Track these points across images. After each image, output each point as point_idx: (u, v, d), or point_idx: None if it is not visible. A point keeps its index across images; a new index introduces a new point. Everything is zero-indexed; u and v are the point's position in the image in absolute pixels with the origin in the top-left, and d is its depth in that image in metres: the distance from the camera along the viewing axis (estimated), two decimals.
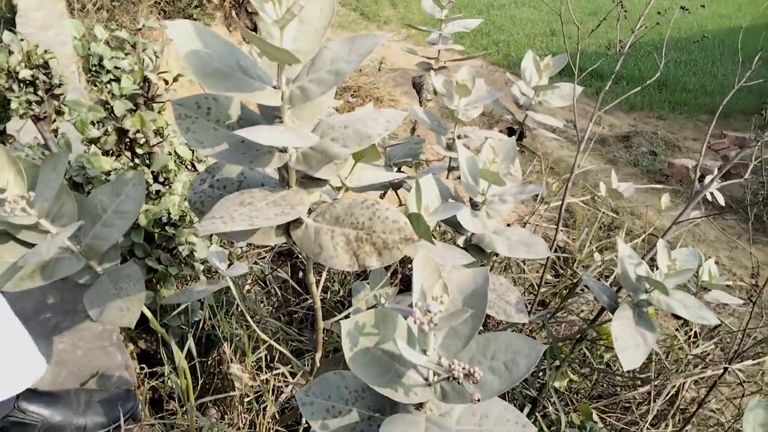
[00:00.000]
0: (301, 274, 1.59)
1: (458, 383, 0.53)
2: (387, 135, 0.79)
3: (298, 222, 0.74)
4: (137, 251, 1.05)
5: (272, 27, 0.52)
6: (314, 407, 0.65)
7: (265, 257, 1.53)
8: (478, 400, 0.53)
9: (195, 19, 4.32)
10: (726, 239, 3.83)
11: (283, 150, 0.66)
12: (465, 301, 0.60)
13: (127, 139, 1.05)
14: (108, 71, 1.10)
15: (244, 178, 0.78)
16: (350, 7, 8.92)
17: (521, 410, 1.23)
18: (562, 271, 1.54)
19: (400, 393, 0.58)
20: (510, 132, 1.45)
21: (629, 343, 0.98)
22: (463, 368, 0.53)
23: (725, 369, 1.02)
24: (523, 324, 1.26)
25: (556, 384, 1.25)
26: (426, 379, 0.61)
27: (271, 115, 0.63)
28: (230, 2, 4.50)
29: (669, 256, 0.98)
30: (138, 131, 1.04)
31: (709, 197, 1.65)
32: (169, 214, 1.05)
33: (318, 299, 0.87)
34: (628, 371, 1.23)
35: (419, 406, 0.64)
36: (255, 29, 4.72)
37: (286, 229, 0.76)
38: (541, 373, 1.30)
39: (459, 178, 1.42)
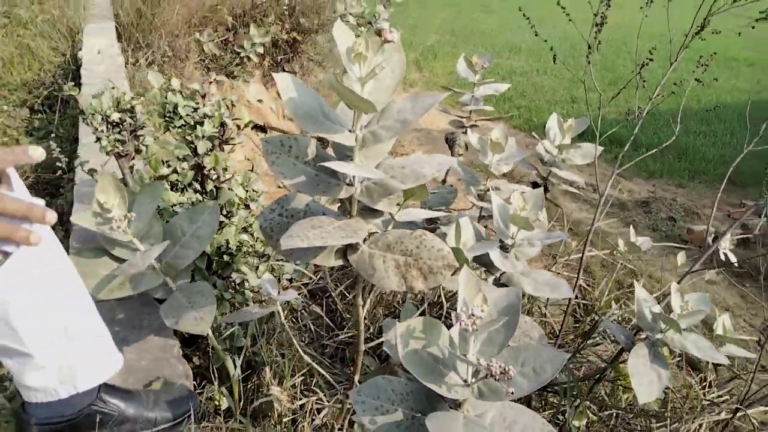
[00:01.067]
0: (335, 307, 1.70)
1: (495, 379, 0.65)
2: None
3: (354, 247, 0.87)
4: (197, 275, 1.19)
5: (355, 83, 0.68)
6: (365, 405, 0.76)
7: (301, 293, 1.65)
8: (512, 393, 0.64)
9: (235, 77, 4.65)
10: (746, 305, 3.85)
11: (350, 184, 0.80)
12: (500, 313, 0.72)
13: (200, 175, 1.21)
14: (181, 117, 1.28)
15: (308, 209, 0.92)
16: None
17: None
18: (582, 319, 1.63)
19: (443, 389, 0.69)
20: (534, 186, 1.60)
21: (644, 379, 1.07)
22: (500, 366, 0.64)
23: (737, 410, 1.10)
24: None
25: (575, 422, 1.33)
26: (465, 381, 0.72)
27: (343, 154, 0.78)
28: (269, 62, 4.85)
29: (682, 298, 1.09)
30: (212, 168, 1.21)
31: (723, 257, 1.75)
32: (227, 243, 1.20)
33: (362, 320, 1.00)
34: (644, 411, 1.30)
35: (457, 407, 0.75)
36: None
37: (343, 253, 0.89)
38: (560, 416, 1.37)
39: (486, 226, 1.56)
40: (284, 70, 5.00)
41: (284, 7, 4.77)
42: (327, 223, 0.81)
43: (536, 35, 1.47)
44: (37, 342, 0.83)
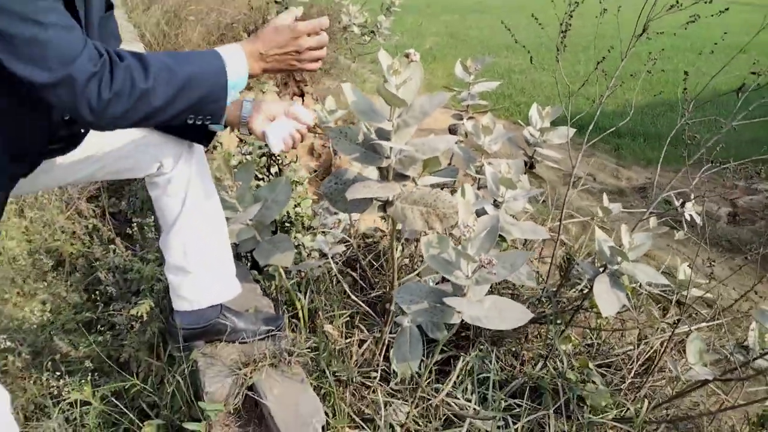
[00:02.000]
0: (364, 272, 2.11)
1: (485, 269, 1.05)
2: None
3: (391, 202, 1.29)
4: None
5: (393, 88, 1.09)
6: (404, 299, 1.17)
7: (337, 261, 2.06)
8: (495, 274, 1.04)
9: (251, 88, 5.09)
10: (736, 277, 4.24)
11: (388, 157, 1.22)
12: (485, 228, 1.12)
13: (269, 162, 1.63)
14: None
15: (357, 178, 1.34)
16: (380, 74, 9.81)
17: (534, 366, 1.70)
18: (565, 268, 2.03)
19: (452, 278, 1.10)
20: (524, 164, 2.00)
21: (606, 299, 1.47)
22: (487, 258, 1.05)
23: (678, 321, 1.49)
24: (533, 292, 1.76)
25: (562, 347, 1.73)
26: (466, 275, 1.13)
27: (384, 137, 1.19)
28: (282, 74, 5.28)
29: (630, 236, 1.49)
30: (277, 156, 1.62)
31: (687, 218, 2.14)
32: (288, 215, 1.61)
33: (395, 258, 1.41)
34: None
35: (462, 296, 1.16)
36: (302, 94, 5.51)
37: (383, 207, 1.31)
38: (549, 341, 1.77)
39: (482, 195, 1.96)
40: (295, 81, 5.45)
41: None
42: (373, 184, 1.23)
43: (515, 41, 1.89)
44: (199, 264, 1.26)
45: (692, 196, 2.22)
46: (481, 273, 1.11)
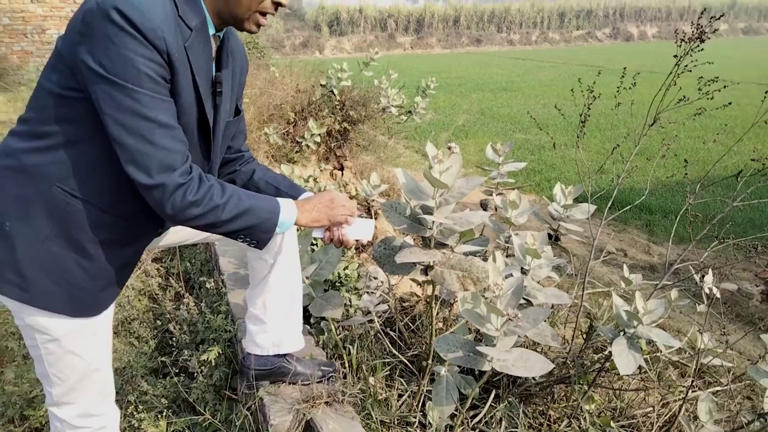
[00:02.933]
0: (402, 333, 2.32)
1: (510, 319, 1.28)
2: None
3: (431, 267, 1.54)
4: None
5: (436, 173, 1.37)
6: (442, 347, 1.40)
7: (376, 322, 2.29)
8: (520, 327, 1.27)
9: (295, 162, 5.52)
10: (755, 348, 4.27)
11: (430, 228, 1.48)
12: (512, 287, 1.36)
13: None
14: None
15: (402, 245, 1.60)
16: (413, 149, 10.39)
17: (560, 425, 1.86)
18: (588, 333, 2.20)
19: (484, 329, 1.33)
20: (549, 236, 2.24)
21: (623, 359, 1.65)
22: (514, 312, 1.27)
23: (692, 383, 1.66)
24: (558, 353, 1.93)
25: (586, 406, 1.89)
26: (496, 328, 1.35)
27: (427, 212, 1.47)
28: (323, 148, 5.73)
29: (644, 302, 1.69)
30: None
31: (707, 291, 2.32)
32: (339, 276, 1.87)
33: (434, 315, 1.64)
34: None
35: (492, 346, 1.38)
36: (341, 168, 5.93)
37: (425, 271, 1.56)
38: (574, 401, 1.93)
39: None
40: (336, 156, 5.89)
41: (336, 102, 5.70)
42: (418, 251, 1.49)
43: (538, 127, 2.18)
44: (274, 318, 1.52)
45: (709, 271, 2.40)
46: (509, 326, 1.33)
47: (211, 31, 1.18)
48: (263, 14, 1.20)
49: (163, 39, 1.03)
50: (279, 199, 1.31)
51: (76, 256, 1.16)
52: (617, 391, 2.05)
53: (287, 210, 1.30)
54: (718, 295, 2.28)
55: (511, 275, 1.75)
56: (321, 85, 5.84)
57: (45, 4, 10.31)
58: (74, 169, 1.11)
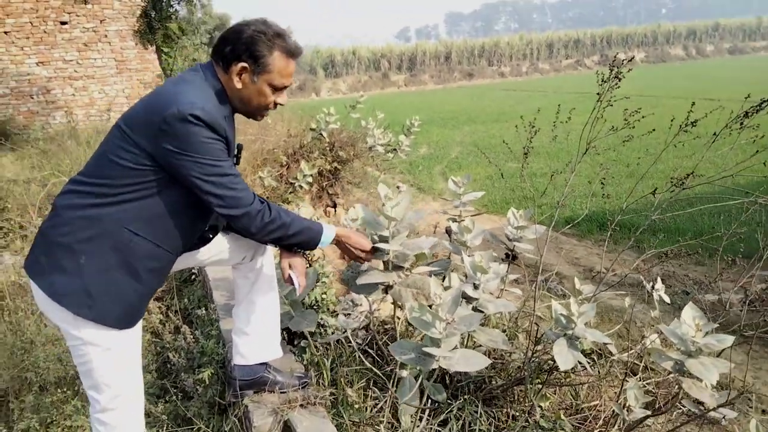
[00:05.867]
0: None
1: (448, 324, 1.53)
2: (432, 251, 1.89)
3: (391, 287, 1.81)
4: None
5: (388, 209, 1.66)
6: (397, 351, 1.66)
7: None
8: (457, 329, 1.52)
9: (290, 202, 5.83)
10: (751, 362, 4.48)
11: (388, 254, 1.76)
12: (451, 296, 1.62)
13: None
14: None
15: (366, 269, 1.88)
16: (408, 183, 10.75)
17: (515, 420, 2.09)
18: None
19: (430, 332, 1.59)
20: (507, 256, 2.51)
21: (563, 357, 1.90)
22: (452, 317, 1.53)
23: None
24: (511, 358, 2.18)
25: (540, 403, 2.12)
26: (440, 332, 1.61)
27: (383, 240, 1.75)
28: (316, 187, 6.05)
29: (577, 305, 1.94)
30: (309, 252, 2.18)
31: (657, 298, 2.57)
32: (315, 299, 2.13)
33: (398, 327, 1.90)
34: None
35: (438, 347, 1.63)
36: (334, 205, 6.24)
37: (385, 289, 1.83)
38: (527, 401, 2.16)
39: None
40: (329, 194, 6.21)
41: (326, 144, 6.05)
42: (377, 273, 1.77)
43: (509, 149, 2.46)
44: (256, 330, 1.80)
45: (658, 279, 2.66)
46: (449, 328, 1.59)
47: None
48: (269, 110, 1.67)
49: (223, 127, 1.50)
50: (323, 223, 1.76)
51: (131, 280, 1.52)
52: (574, 390, 2.28)
53: (328, 231, 1.74)
54: (668, 300, 2.54)
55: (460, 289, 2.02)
56: (311, 129, 6.21)
57: (50, 66, 10.89)
58: (141, 215, 1.51)
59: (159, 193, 1.52)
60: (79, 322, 1.48)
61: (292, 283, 1.73)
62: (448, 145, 13.71)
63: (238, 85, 1.56)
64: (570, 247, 7.13)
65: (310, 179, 5.56)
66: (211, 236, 1.76)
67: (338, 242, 1.75)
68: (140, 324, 1.63)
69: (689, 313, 1.66)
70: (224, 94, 1.58)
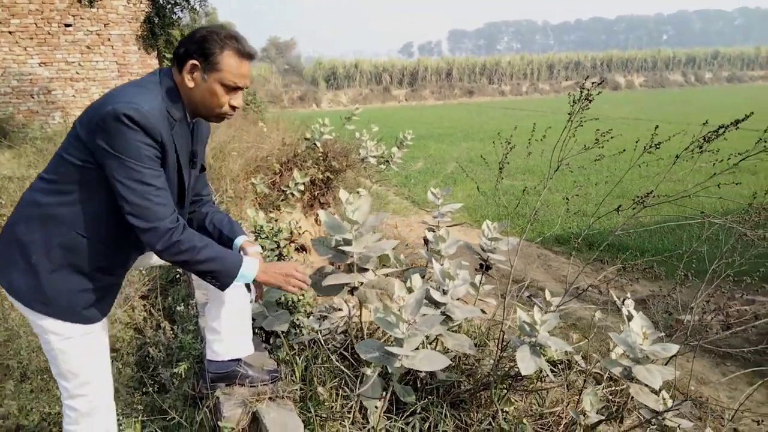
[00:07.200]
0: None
1: (410, 325, 1.62)
2: (400, 256, 1.99)
3: (356, 288, 1.90)
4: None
5: (349, 212, 1.76)
6: (362, 350, 1.75)
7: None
8: (424, 331, 1.61)
9: (281, 210, 5.91)
10: (727, 382, 4.56)
11: (352, 256, 1.86)
12: (414, 299, 1.71)
13: (278, 258, 2.29)
14: (264, 230, 2.40)
15: (333, 271, 1.97)
16: (403, 196, 10.84)
17: (480, 424, 2.17)
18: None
19: (393, 332, 1.68)
20: (481, 266, 2.61)
21: (525, 362, 1.99)
22: (414, 319, 1.63)
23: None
24: (481, 365, 2.27)
25: (505, 408, 2.20)
26: (403, 332, 1.70)
27: (348, 243, 1.85)
28: (308, 196, 6.15)
29: (541, 314, 2.03)
30: (286, 255, 2.28)
31: (625, 312, 2.66)
32: (291, 300, 2.23)
33: (363, 324, 1.99)
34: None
35: (401, 346, 1.72)
36: None
37: (351, 290, 1.92)
38: (493, 406, 2.24)
39: None
40: (320, 203, 6.30)
41: (319, 154, 6.17)
42: (342, 275, 1.86)
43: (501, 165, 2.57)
44: (226, 329, 1.88)
45: (628, 294, 2.74)
46: (411, 329, 1.68)
47: (188, 119, 1.65)
48: (226, 114, 1.63)
49: (158, 131, 1.48)
50: (245, 257, 1.70)
51: (82, 279, 1.57)
52: (540, 397, 2.36)
53: (249, 266, 1.67)
54: (633, 311, 2.63)
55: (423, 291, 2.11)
56: (305, 138, 6.33)
57: (52, 67, 11.03)
58: (87, 217, 1.54)
59: (104, 192, 1.51)
60: (40, 315, 1.55)
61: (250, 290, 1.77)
62: (445, 161, 13.85)
63: (190, 84, 1.56)
64: (558, 265, 7.24)
65: (302, 187, 5.66)
66: None
67: (265, 279, 1.69)
68: (105, 322, 1.68)
69: (638, 322, 1.76)
70: (177, 95, 1.58)
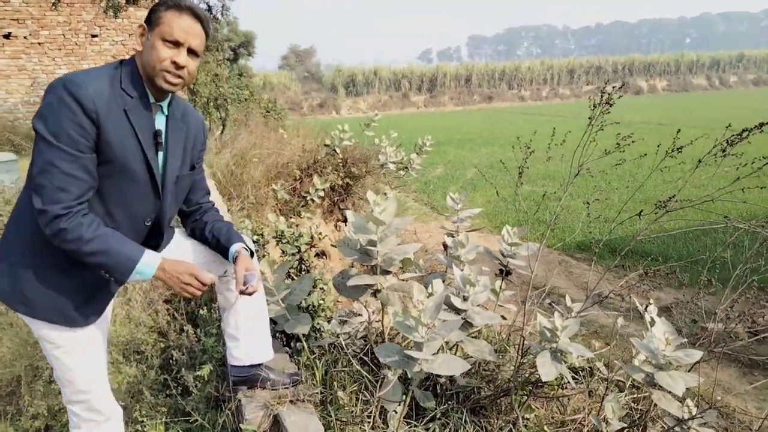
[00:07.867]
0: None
1: (429, 329, 1.63)
2: (421, 261, 2.00)
3: (379, 290, 1.92)
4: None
5: (377, 213, 1.78)
6: (382, 353, 1.76)
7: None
8: (444, 337, 1.62)
9: (301, 215, 5.96)
10: (754, 391, 4.46)
11: (376, 258, 1.87)
12: (434, 303, 1.72)
13: (299, 262, 2.31)
14: (285, 236, 2.43)
15: (354, 275, 1.99)
16: (422, 202, 10.85)
17: (500, 430, 2.16)
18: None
19: (412, 336, 1.69)
20: (501, 271, 2.60)
21: (545, 368, 1.97)
22: (433, 323, 1.63)
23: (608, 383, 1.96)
24: (501, 371, 2.26)
25: (525, 415, 2.19)
26: (422, 336, 1.71)
27: (372, 245, 1.86)
28: (327, 202, 6.19)
29: (562, 320, 2.02)
30: (306, 259, 2.30)
31: (647, 318, 2.63)
32: (313, 304, 2.25)
33: (384, 326, 2.00)
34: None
35: (420, 350, 1.73)
36: (345, 220, 6.37)
37: (374, 293, 1.94)
38: (514, 412, 2.23)
39: None
40: (340, 209, 6.34)
41: (339, 160, 6.21)
42: (366, 277, 1.88)
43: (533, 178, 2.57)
44: (245, 335, 1.91)
45: (651, 301, 2.71)
46: (431, 333, 1.69)
47: (151, 99, 1.58)
48: (169, 72, 1.54)
49: (94, 108, 1.42)
50: (147, 251, 1.56)
51: (59, 275, 1.54)
52: (562, 405, 2.34)
53: (148, 262, 1.54)
54: (655, 317, 2.60)
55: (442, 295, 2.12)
56: (325, 144, 6.38)
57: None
58: None
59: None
60: (28, 318, 1.56)
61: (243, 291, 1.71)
62: (464, 166, 13.80)
63: (140, 48, 1.57)
64: (579, 272, 7.15)
65: (322, 193, 5.70)
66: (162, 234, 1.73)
67: (162, 277, 1.56)
68: (97, 326, 1.65)
69: (660, 327, 1.74)
70: (138, 73, 1.55)
